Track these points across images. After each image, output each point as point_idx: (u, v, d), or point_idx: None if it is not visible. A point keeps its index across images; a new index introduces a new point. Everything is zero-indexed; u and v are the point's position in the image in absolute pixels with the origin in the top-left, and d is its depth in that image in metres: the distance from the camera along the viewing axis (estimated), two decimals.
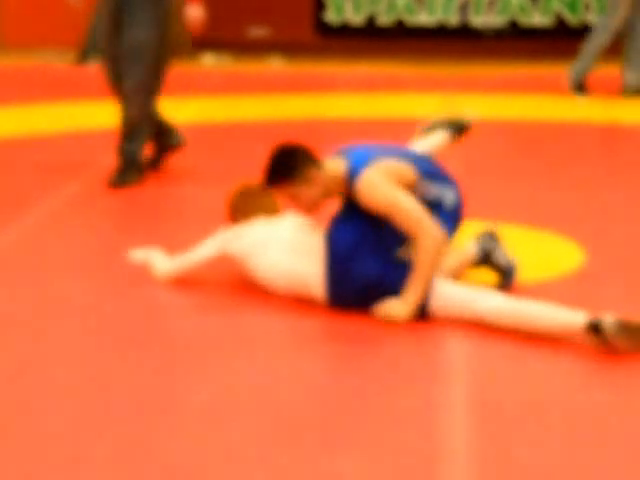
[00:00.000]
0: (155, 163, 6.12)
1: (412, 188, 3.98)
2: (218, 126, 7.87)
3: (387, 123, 8.03)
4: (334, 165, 4.00)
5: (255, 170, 5.32)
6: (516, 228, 5.14)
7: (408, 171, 4.00)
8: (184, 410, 3.28)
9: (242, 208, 4.32)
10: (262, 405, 3.29)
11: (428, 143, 4.62)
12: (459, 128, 4.75)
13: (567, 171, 6.48)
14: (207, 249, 4.16)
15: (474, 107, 5.33)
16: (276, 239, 4.08)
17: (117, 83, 5.85)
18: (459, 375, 3.55)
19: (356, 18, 11.57)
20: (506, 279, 4.21)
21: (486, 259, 4.23)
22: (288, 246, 4.05)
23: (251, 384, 3.47)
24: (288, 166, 3.96)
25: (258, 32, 11.68)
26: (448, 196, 4.09)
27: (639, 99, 8.81)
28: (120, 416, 3.27)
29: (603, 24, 8.78)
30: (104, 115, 7.93)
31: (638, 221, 5.35)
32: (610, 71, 9.15)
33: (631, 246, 4.90)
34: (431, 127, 4.77)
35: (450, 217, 4.07)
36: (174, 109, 8.45)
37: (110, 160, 5.96)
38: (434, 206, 4.01)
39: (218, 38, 11.58)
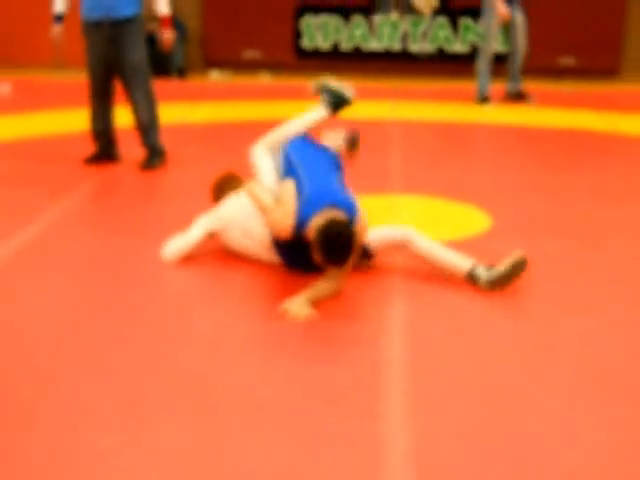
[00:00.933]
0: (94, 159, 5.89)
1: None
2: (223, 124, 7.85)
3: (346, 122, 8.02)
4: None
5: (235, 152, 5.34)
6: (438, 201, 5.18)
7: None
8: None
9: (222, 190, 4.20)
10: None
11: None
12: (353, 142, 4.38)
13: (478, 159, 6.53)
14: (197, 231, 3.96)
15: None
16: (241, 212, 3.93)
17: (127, 94, 5.75)
18: (397, 309, 3.58)
19: (324, 44, 11.53)
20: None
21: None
22: (244, 219, 3.90)
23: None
24: (350, 249, 3.45)
25: (251, 54, 11.62)
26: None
27: (518, 103, 8.93)
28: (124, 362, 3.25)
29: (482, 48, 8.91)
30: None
31: (531, 194, 5.39)
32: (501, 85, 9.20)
33: (527, 214, 4.95)
34: (318, 88, 4.46)
35: None
36: (190, 112, 8.44)
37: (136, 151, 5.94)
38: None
39: (221, 59, 11.55)
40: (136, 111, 5.76)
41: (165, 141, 6.00)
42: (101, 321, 3.39)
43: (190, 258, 3.97)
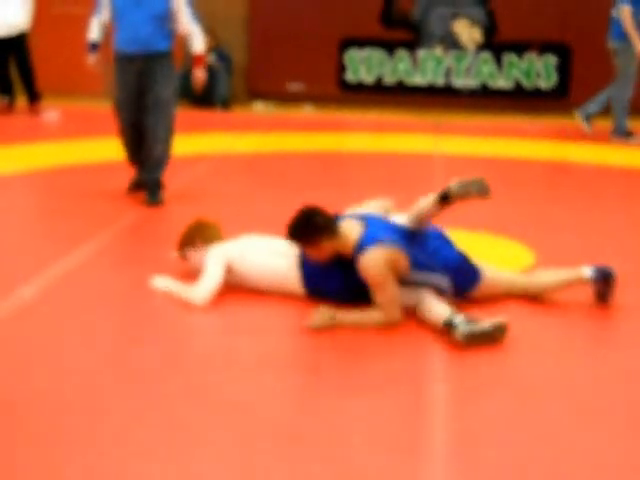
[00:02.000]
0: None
1: (402, 274, 3.68)
2: (267, 155, 7.91)
3: (389, 156, 8.06)
4: (349, 232, 3.67)
5: (294, 186, 5.31)
6: (482, 235, 5.16)
7: (403, 260, 3.66)
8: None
9: (193, 239, 4.04)
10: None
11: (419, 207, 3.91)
12: (445, 196, 3.79)
13: (522, 194, 6.49)
14: (218, 269, 3.84)
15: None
16: (256, 246, 3.91)
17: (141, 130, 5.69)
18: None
19: (368, 78, 11.59)
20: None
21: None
22: (267, 251, 3.89)
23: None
24: (305, 232, 3.64)
25: (295, 87, 11.71)
26: (437, 281, 3.75)
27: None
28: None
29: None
30: None
31: (576, 229, 5.35)
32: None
33: (571, 250, 4.91)
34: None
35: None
36: (235, 143, 8.52)
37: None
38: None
39: (266, 91, 11.64)
40: (151, 147, 5.67)
41: (207, 172, 6.01)
42: (140, 353, 3.41)
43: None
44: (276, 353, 3.41)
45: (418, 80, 11.53)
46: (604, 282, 3.86)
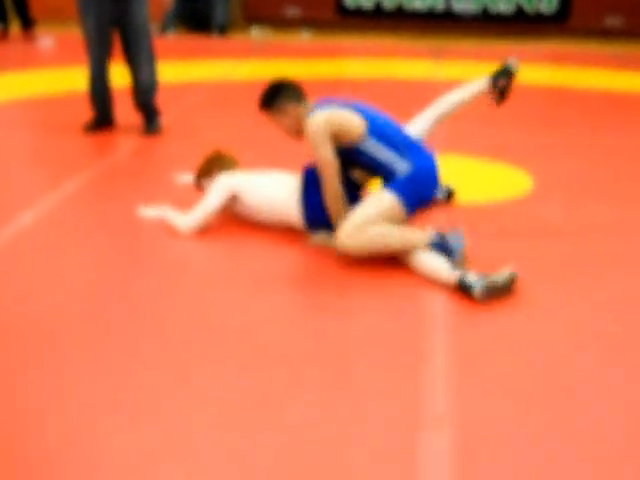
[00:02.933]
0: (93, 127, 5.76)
1: (352, 140, 3.58)
2: (264, 82, 7.82)
3: (388, 82, 7.98)
4: (310, 108, 3.69)
5: None
6: (480, 161, 5.15)
7: (354, 126, 3.57)
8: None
9: (213, 167, 4.05)
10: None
11: (467, 91, 4.13)
12: (507, 72, 4.14)
13: (521, 120, 6.45)
14: (218, 197, 3.84)
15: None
16: (262, 178, 3.90)
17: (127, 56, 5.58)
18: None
19: (367, 3, 11.41)
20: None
21: None
22: (271, 182, 3.87)
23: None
24: (271, 97, 3.77)
25: (293, 12, 11.54)
26: (399, 167, 3.57)
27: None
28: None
29: None
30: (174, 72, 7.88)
31: (574, 156, 5.33)
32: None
33: (569, 175, 4.90)
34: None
35: (404, 187, 3.54)
36: (232, 69, 8.43)
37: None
38: (387, 172, 3.60)
39: (262, 16, 11.48)
40: (137, 72, 5.59)
41: (204, 99, 5.97)
42: (138, 278, 3.44)
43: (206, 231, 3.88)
44: (273, 276, 3.43)
45: (418, 5, 11.37)
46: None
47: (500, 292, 3.25)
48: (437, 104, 4.11)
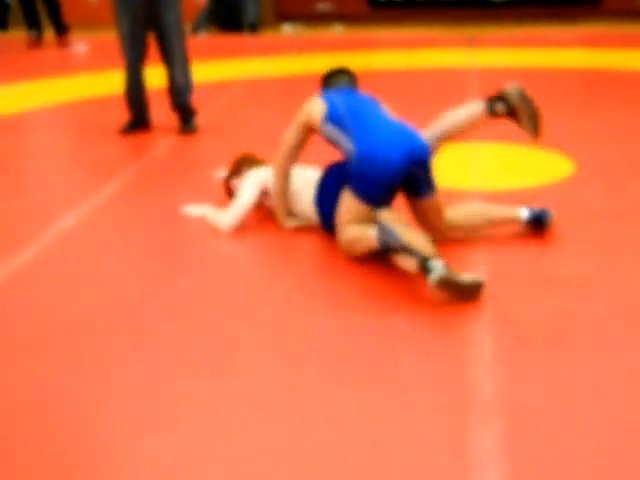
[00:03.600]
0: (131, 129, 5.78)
1: (315, 127, 3.64)
2: (297, 78, 7.83)
3: (422, 72, 7.94)
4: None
5: None
6: (520, 147, 5.09)
7: (313, 112, 3.63)
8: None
9: (241, 166, 4.05)
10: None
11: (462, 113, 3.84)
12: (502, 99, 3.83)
13: (559, 104, 6.37)
14: (251, 192, 3.85)
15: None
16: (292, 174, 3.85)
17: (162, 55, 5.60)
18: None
19: None
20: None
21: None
22: (295, 179, 3.81)
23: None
24: (325, 80, 4.00)
25: (324, 7, 11.52)
26: (346, 147, 3.49)
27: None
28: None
29: None
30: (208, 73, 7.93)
31: (615, 139, 5.26)
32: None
33: (611, 159, 4.83)
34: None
35: (354, 179, 3.41)
36: (264, 67, 8.44)
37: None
38: (347, 156, 3.51)
39: (293, 13, 11.48)
40: (172, 72, 5.62)
41: (238, 98, 5.98)
42: (181, 278, 3.45)
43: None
44: (315, 270, 3.43)
45: None
46: (537, 225, 3.63)
47: (458, 290, 3.04)
48: (434, 126, 3.88)
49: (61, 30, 9.85)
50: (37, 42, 9.97)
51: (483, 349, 2.76)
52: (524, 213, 3.64)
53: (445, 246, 3.54)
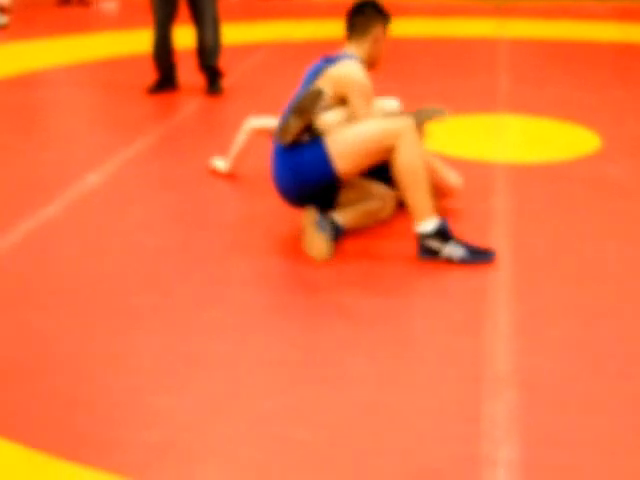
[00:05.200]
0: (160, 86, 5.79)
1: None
2: (325, 42, 7.78)
3: (451, 41, 7.87)
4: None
5: None
6: (546, 121, 5.06)
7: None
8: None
9: None
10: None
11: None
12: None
13: (587, 78, 6.31)
14: (243, 133, 4.04)
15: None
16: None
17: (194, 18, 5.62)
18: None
19: None
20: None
21: None
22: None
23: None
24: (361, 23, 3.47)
25: None
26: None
27: None
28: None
29: None
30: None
31: None
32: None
33: (637, 134, 4.79)
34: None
35: None
36: (292, 30, 8.38)
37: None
38: None
39: None
40: (202, 33, 5.63)
41: (265, 60, 5.96)
42: (204, 237, 3.47)
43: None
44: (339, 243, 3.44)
45: None
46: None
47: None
48: None
49: None
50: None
51: (500, 321, 2.77)
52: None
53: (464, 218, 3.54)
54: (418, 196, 3.16)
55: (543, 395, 2.37)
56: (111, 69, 6.59)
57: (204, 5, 5.57)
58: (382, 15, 3.54)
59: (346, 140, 3.23)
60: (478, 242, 3.27)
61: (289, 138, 3.24)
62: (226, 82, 5.87)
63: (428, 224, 3.14)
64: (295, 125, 3.22)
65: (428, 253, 3.15)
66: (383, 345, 2.63)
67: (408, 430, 2.22)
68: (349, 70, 3.35)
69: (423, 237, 3.15)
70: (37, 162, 4.35)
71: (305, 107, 3.21)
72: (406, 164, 3.15)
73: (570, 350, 2.59)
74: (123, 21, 8.90)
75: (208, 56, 5.69)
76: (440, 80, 6.22)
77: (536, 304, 2.88)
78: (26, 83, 6.17)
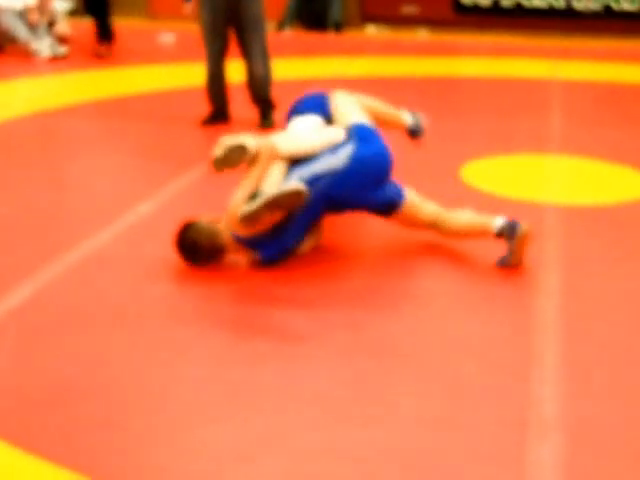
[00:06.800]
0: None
1: None
2: (379, 79, 7.84)
3: (506, 81, 7.87)
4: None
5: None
6: (597, 163, 5.02)
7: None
8: None
9: None
10: None
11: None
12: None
13: None
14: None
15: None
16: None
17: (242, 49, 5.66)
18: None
19: (485, 1, 11.27)
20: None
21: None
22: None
23: None
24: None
25: (409, 10, 11.49)
26: None
27: None
28: None
29: None
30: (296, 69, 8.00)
31: None
32: None
33: None
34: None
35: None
36: (347, 66, 8.47)
37: None
38: None
39: (378, 14, 11.48)
40: (252, 65, 5.67)
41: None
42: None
43: None
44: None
45: (537, 2, 11.15)
46: (509, 236, 3.41)
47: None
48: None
49: (106, 36, 8.61)
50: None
51: (548, 364, 2.75)
52: (498, 222, 3.48)
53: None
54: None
55: (589, 441, 2.34)
56: (168, 101, 6.71)
57: (253, 36, 5.62)
58: None
59: None
60: (528, 285, 3.26)
61: (254, 225, 3.34)
62: (278, 116, 5.93)
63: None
64: (264, 215, 3.31)
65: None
66: (429, 383, 2.63)
67: (452, 473, 2.21)
68: None
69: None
70: (92, 189, 4.44)
71: (281, 204, 3.30)
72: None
73: (619, 396, 2.56)
74: (181, 53, 9.06)
75: (259, 88, 5.74)
76: (492, 119, 6.22)
77: (586, 348, 2.85)
78: (83, 112, 6.31)
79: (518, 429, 2.39)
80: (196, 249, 3.36)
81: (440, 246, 3.64)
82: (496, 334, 2.95)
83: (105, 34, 8.57)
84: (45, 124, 5.98)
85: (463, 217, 3.57)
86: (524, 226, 3.36)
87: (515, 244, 3.36)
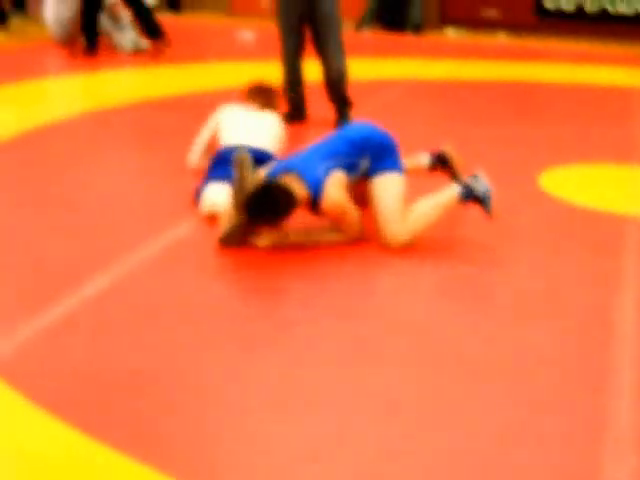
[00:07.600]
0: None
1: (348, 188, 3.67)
2: (457, 83, 7.77)
3: (588, 89, 7.72)
4: (299, 191, 3.51)
5: (471, 114, 5.12)
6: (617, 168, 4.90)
7: (345, 178, 3.63)
8: None
9: (255, 95, 4.66)
10: None
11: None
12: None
13: None
14: (207, 131, 4.52)
15: None
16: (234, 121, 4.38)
17: (317, 46, 5.65)
18: None
19: (568, 5, 11.09)
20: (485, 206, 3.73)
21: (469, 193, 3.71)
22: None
23: None
24: (273, 213, 3.46)
25: (489, 13, 11.38)
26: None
27: None
28: None
29: None
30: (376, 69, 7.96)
31: None
32: None
33: None
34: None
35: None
36: (425, 69, 8.42)
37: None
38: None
39: (458, 17, 11.40)
40: (328, 63, 5.65)
41: (396, 97, 5.98)
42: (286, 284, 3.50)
43: None
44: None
45: (623, 9, 10.92)
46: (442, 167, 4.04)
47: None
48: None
49: (156, 34, 8.47)
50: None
51: (624, 381, 2.68)
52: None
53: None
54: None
55: None
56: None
57: (328, 34, 5.60)
58: None
59: None
60: (605, 297, 3.19)
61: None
62: (355, 116, 5.92)
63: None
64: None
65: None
66: (503, 396, 2.58)
67: None
68: None
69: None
70: (176, 183, 4.48)
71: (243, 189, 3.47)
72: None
73: None
74: (260, 51, 9.12)
75: (335, 84, 5.71)
76: (573, 126, 6.11)
77: None
78: (169, 106, 6.39)
79: (594, 446, 2.33)
80: (277, 204, 3.41)
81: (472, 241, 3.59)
82: (569, 345, 2.89)
83: (153, 32, 8.42)
84: (136, 116, 6.07)
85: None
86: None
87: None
